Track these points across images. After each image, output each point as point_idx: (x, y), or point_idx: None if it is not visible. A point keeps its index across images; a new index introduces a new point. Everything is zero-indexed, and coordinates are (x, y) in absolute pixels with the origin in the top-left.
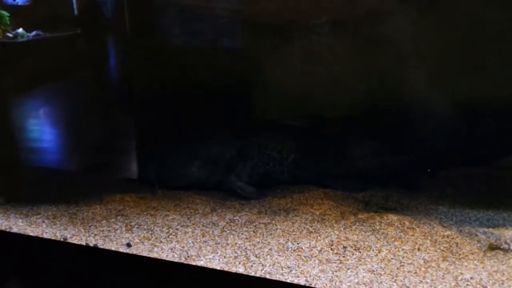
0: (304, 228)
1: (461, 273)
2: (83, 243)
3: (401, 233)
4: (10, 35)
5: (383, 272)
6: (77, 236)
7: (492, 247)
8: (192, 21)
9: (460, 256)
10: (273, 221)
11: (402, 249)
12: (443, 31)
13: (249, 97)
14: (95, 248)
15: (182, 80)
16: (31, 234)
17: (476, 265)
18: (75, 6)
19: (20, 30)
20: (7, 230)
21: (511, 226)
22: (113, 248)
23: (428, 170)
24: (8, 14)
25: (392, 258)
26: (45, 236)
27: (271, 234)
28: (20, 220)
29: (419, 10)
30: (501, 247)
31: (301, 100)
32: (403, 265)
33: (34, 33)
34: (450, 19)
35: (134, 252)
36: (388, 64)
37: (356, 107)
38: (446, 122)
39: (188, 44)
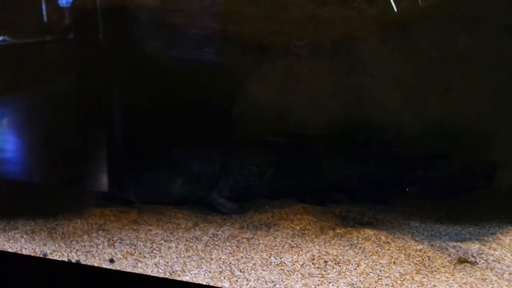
0: (286, 243)
1: (434, 286)
2: (65, 259)
3: (378, 248)
4: None
5: (363, 286)
6: (58, 251)
7: (461, 261)
8: (176, 39)
9: (433, 269)
10: (256, 236)
11: (379, 263)
12: None
13: (230, 113)
14: (78, 264)
15: (164, 95)
16: (10, 250)
17: (448, 277)
18: (45, 13)
19: None
20: None
21: (477, 240)
22: (96, 264)
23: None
24: None
25: (370, 272)
26: (24, 252)
27: (254, 249)
28: None
29: None
30: (469, 260)
31: (280, 116)
32: (381, 278)
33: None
34: None
35: (118, 268)
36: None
37: (331, 124)
38: None
39: (171, 60)
